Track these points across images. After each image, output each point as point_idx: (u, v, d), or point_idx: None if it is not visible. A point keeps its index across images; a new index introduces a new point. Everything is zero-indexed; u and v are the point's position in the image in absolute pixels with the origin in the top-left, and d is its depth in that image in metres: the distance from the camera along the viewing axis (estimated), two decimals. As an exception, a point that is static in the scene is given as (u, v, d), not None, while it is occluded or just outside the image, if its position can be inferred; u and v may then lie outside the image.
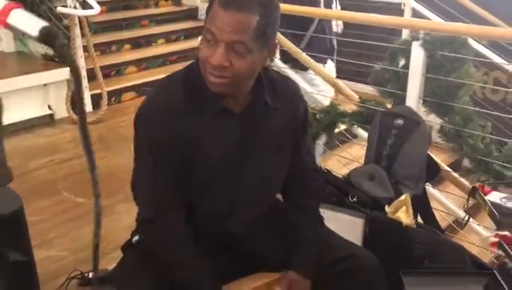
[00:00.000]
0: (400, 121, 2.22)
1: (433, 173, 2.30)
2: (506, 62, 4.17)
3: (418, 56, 2.43)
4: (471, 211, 2.22)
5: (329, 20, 3.58)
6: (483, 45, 3.98)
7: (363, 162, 2.37)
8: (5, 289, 0.74)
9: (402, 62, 2.61)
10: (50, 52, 4.16)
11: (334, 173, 2.31)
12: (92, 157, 0.67)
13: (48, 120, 3.98)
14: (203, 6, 5.48)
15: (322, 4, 3.39)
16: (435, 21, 4.06)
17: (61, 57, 0.67)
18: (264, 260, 1.51)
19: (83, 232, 2.55)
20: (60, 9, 3.74)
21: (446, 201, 2.65)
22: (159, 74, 4.23)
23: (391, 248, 1.82)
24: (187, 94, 1.34)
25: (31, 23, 0.69)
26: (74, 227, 2.60)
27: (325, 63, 3.51)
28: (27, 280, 1.32)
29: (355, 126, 2.81)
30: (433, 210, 2.31)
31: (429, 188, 2.47)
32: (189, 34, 5.49)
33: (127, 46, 5.06)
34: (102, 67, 4.23)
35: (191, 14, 5.84)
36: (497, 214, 1.55)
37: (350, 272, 1.49)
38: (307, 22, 3.38)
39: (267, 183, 1.49)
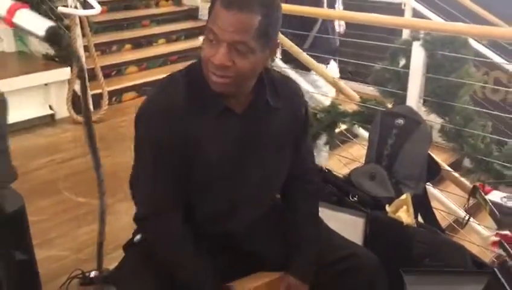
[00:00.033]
0: (400, 121, 2.22)
1: (434, 173, 2.31)
2: (506, 62, 4.18)
3: (418, 56, 2.43)
4: (472, 211, 2.22)
5: (332, 21, 3.56)
6: (483, 44, 3.99)
7: (363, 162, 2.38)
8: (9, 288, 0.74)
9: (402, 62, 2.61)
10: (51, 52, 4.17)
11: (334, 173, 2.31)
12: (97, 156, 0.67)
13: (49, 120, 3.98)
14: (203, 6, 5.48)
15: (325, 4, 3.36)
16: (435, 21, 4.06)
17: (68, 55, 0.67)
18: (264, 260, 1.51)
19: (84, 231, 2.56)
20: (61, 9, 3.74)
21: (446, 201, 2.65)
22: (159, 74, 4.23)
23: (392, 247, 1.82)
24: (188, 94, 1.34)
25: (37, 23, 0.69)
26: (75, 227, 2.61)
27: (328, 63, 3.49)
28: (29, 279, 1.32)
29: (356, 126, 2.81)
30: (434, 210, 2.32)
31: (430, 187, 2.48)
32: (189, 34, 5.49)
33: (127, 46, 5.06)
34: (103, 67, 4.24)
35: (191, 14, 5.84)
36: (497, 213, 1.55)
37: (351, 271, 1.50)
38: (310, 22, 3.34)
39: (268, 183, 1.49)
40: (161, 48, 5.22)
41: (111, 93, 4.28)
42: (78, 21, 3.90)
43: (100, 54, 4.64)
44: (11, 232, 0.76)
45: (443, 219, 2.61)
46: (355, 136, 3.10)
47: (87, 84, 4.08)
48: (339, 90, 2.98)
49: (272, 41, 1.31)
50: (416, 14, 4.56)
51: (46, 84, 3.94)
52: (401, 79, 2.55)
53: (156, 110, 1.33)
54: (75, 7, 3.85)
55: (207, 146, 1.35)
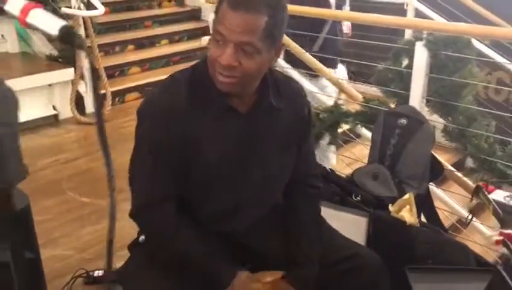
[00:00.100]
0: (403, 121, 2.22)
1: (437, 173, 2.31)
2: (509, 62, 4.17)
3: (421, 56, 2.44)
4: (475, 211, 2.22)
5: (340, 23, 3.54)
6: (486, 45, 3.99)
7: (366, 162, 2.38)
8: (20, 287, 0.75)
9: (405, 62, 2.62)
10: (54, 52, 4.19)
11: (337, 173, 2.31)
12: (108, 152, 0.68)
13: (53, 120, 3.99)
14: (206, 7, 5.49)
15: (333, 7, 3.34)
16: (438, 21, 4.06)
17: (83, 53, 0.68)
18: (268, 259, 1.51)
19: (88, 231, 2.57)
20: (65, 10, 3.75)
21: (450, 200, 2.65)
22: (162, 75, 4.21)
23: (395, 247, 1.82)
24: (191, 93, 1.35)
25: (50, 23, 0.70)
26: (79, 226, 2.62)
27: (336, 67, 3.44)
28: (35, 278, 1.33)
29: (359, 126, 2.82)
30: (437, 209, 2.32)
31: (433, 187, 2.48)
32: (192, 35, 5.50)
33: (130, 46, 5.08)
34: (106, 68, 4.25)
35: (194, 14, 5.85)
36: (501, 212, 1.55)
37: (353, 271, 1.50)
38: (319, 24, 3.30)
39: (271, 184, 1.49)
40: (164, 49, 5.23)
41: (114, 94, 4.30)
42: (81, 22, 3.92)
43: (103, 54, 4.66)
44: (19, 231, 0.77)
45: (446, 219, 2.61)
46: (358, 136, 3.10)
47: (89, 85, 4.11)
48: (342, 91, 2.98)
49: (278, 42, 1.32)
50: (418, 14, 4.56)
51: (49, 85, 3.95)
52: (404, 79, 2.56)
53: (157, 110, 1.34)
54: (79, 8, 3.86)
55: (208, 146, 1.36)
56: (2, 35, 4.29)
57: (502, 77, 4.57)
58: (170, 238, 1.38)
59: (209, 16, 3.54)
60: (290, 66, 3.28)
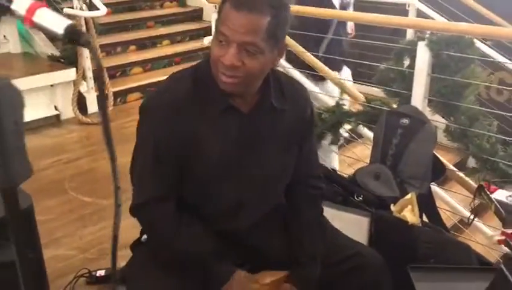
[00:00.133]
0: (405, 121, 2.22)
1: (439, 173, 2.30)
2: (511, 62, 4.17)
3: (423, 56, 2.43)
4: (477, 211, 2.22)
5: (344, 26, 3.53)
6: (488, 45, 3.98)
7: (368, 162, 2.38)
8: (26, 287, 0.75)
9: (407, 62, 2.62)
10: (56, 53, 4.20)
11: (339, 173, 2.31)
12: (113, 148, 0.69)
13: (54, 121, 4.01)
14: (207, 8, 5.49)
15: (338, 7, 3.32)
16: (439, 21, 4.06)
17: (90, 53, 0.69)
18: (269, 258, 1.52)
19: (90, 231, 2.58)
20: (67, 10, 3.77)
21: (451, 200, 2.65)
22: (164, 75, 4.20)
23: (397, 246, 1.82)
24: (194, 92, 1.35)
25: (56, 22, 0.71)
26: (81, 226, 2.63)
27: (340, 70, 3.40)
28: (38, 277, 1.34)
29: (361, 126, 2.82)
30: (439, 209, 2.31)
31: (435, 187, 2.48)
32: (194, 35, 5.52)
33: (132, 47, 5.09)
34: (108, 68, 4.26)
35: (196, 15, 5.86)
36: (503, 212, 1.55)
37: (356, 270, 1.50)
38: (323, 28, 3.26)
39: (273, 184, 1.50)
40: (165, 49, 5.24)
41: (116, 94, 4.31)
42: (83, 22, 3.93)
43: (105, 55, 4.68)
44: (23, 231, 0.78)
45: (448, 219, 2.61)
46: (360, 136, 3.10)
47: (91, 86, 4.12)
48: (344, 91, 2.98)
49: (280, 42, 1.33)
50: (420, 14, 4.56)
51: (51, 85, 3.97)
52: (406, 79, 2.55)
53: (159, 108, 1.35)
54: (81, 9, 3.88)
55: (209, 145, 1.36)
56: (4, 36, 4.30)
57: (504, 77, 4.56)
58: (170, 237, 1.39)
59: (210, 16, 3.54)
60: (291, 67, 3.27)
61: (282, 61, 3.27)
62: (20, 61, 4.32)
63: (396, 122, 2.25)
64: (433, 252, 1.85)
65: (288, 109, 1.44)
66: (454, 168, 2.59)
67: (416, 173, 2.17)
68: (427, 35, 2.44)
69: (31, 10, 0.69)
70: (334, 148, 3.10)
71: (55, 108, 4.02)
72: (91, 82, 4.14)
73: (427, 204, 2.19)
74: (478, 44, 2.89)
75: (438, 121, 2.57)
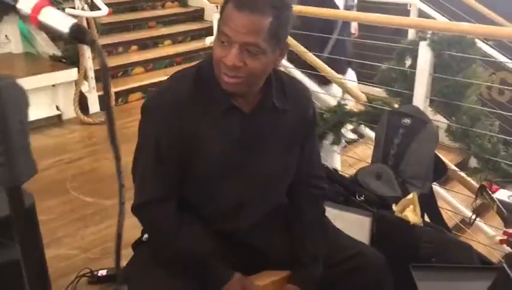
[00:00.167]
0: (407, 121, 2.22)
1: (440, 173, 2.31)
2: (512, 62, 4.17)
3: (425, 56, 2.44)
4: (478, 211, 2.22)
5: (349, 28, 3.51)
6: (489, 45, 3.98)
7: (370, 162, 2.38)
8: (31, 286, 0.76)
9: (409, 62, 2.62)
10: (57, 53, 4.21)
11: (341, 173, 2.31)
12: (117, 147, 0.69)
13: (56, 120, 4.01)
14: (209, 8, 5.50)
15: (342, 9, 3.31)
16: (441, 21, 4.06)
17: (95, 51, 0.69)
18: (270, 258, 1.52)
19: (92, 231, 2.58)
20: (68, 10, 3.77)
21: (453, 200, 2.65)
22: (165, 75, 4.21)
23: (398, 246, 1.82)
24: (196, 92, 1.35)
25: (61, 21, 0.71)
26: (83, 226, 2.63)
27: (345, 73, 3.38)
28: (39, 277, 1.34)
29: (362, 126, 2.82)
30: (440, 209, 2.32)
31: (436, 187, 2.48)
32: (195, 35, 5.52)
33: (134, 47, 5.09)
34: (109, 68, 4.25)
35: (197, 15, 5.86)
36: (505, 211, 1.56)
37: (357, 270, 1.50)
38: (329, 27, 3.24)
39: (274, 184, 1.49)
40: (167, 49, 5.24)
41: (117, 94, 4.32)
42: (85, 23, 3.93)
43: (107, 55, 4.68)
44: (27, 230, 0.78)
45: (450, 219, 2.61)
46: (361, 136, 3.10)
47: (93, 86, 4.12)
48: (346, 91, 2.98)
49: (282, 42, 1.33)
50: (421, 14, 4.56)
51: (53, 85, 3.97)
52: (408, 79, 2.56)
53: (160, 107, 1.36)
54: (82, 9, 3.88)
55: (210, 145, 1.36)
56: (6, 36, 4.31)
57: (505, 77, 4.56)
58: (171, 237, 1.39)
59: (212, 16, 3.54)
60: (293, 67, 3.27)
61: (284, 62, 3.27)
62: (21, 61, 4.33)
63: (398, 122, 2.25)
64: (435, 252, 1.85)
65: (290, 108, 1.44)
66: (456, 168, 2.59)
67: (418, 173, 2.17)
68: (429, 35, 2.44)
69: (37, 9, 0.69)
70: (337, 148, 3.10)
71: (57, 108, 4.03)
72: (93, 82, 4.14)
73: (428, 204, 2.19)
74: (480, 44, 2.89)
75: (440, 121, 2.57)
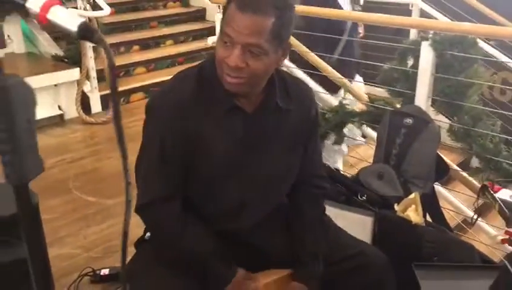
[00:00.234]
0: (409, 120, 2.23)
1: (442, 172, 2.31)
2: (514, 62, 4.17)
3: (427, 56, 2.44)
4: (481, 211, 2.22)
5: (357, 30, 3.50)
6: (491, 45, 3.98)
7: (371, 162, 2.38)
8: (38, 285, 0.76)
9: (411, 62, 2.62)
10: (60, 53, 4.21)
11: (343, 172, 2.32)
12: (124, 145, 0.69)
13: (58, 120, 4.02)
14: (211, 8, 5.50)
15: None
16: (443, 21, 4.06)
17: (104, 50, 0.69)
18: (271, 258, 1.52)
19: (94, 231, 2.59)
20: (71, 10, 3.77)
21: (455, 200, 2.65)
22: (167, 75, 4.22)
23: (400, 246, 1.83)
24: (198, 92, 1.36)
25: (69, 19, 0.72)
26: (85, 226, 2.64)
27: (353, 78, 3.36)
28: (43, 276, 1.34)
29: (364, 126, 2.82)
30: (442, 209, 2.32)
31: (438, 187, 2.48)
32: (197, 35, 5.52)
33: (135, 47, 5.10)
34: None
35: (199, 15, 5.86)
36: (507, 211, 1.56)
37: (359, 270, 1.50)
38: (335, 27, 3.22)
39: (276, 184, 1.50)
40: (169, 49, 5.24)
41: (119, 94, 4.28)
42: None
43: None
44: (35, 228, 0.79)
45: (451, 219, 2.61)
46: (363, 136, 3.10)
47: (95, 86, 4.13)
48: (348, 91, 2.98)
49: (285, 43, 1.33)
50: (423, 14, 4.56)
51: (55, 85, 3.98)
52: (410, 79, 2.56)
53: (164, 107, 1.36)
54: (85, 9, 3.89)
55: (213, 145, 1.37)
56: (8, 36, 4.31)
57: (507, 77, 4.56)
58: (175, 237, 1.39)
59: (214, 16, 3.54)
60: (295, 66, 3.27)
61: (286, 62, 3.27)
62: (24, 61, 4.33)
63: (400, 122, 2.25)
64: (437, 252, 1.85)
65: (293, 109, 1.45)
66: (458, 168, 2.59)
67: (420, 173, 2.18)
68: (431, 35, 2.44)
69: (45, 8, 0.70)
70: (342, 149, 3.09)
71: (59, 108, 4.03)
72: (95, 82, 4.15)
73: (430, 204, 2.19)
74: (481, 44, 2.90)
75: (442, 120, 2.58)
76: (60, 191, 2.94)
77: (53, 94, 3.99)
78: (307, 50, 3.09)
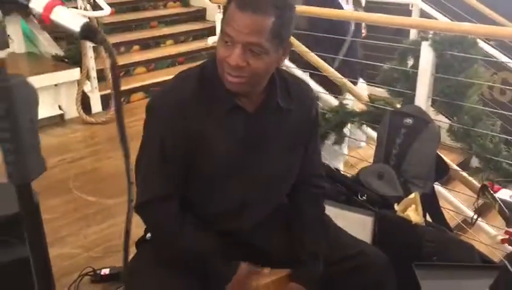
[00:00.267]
0: (409, 120, 2.23)
1: (442, 172, 2.31)
2: (514, 62, 4.17)
3: (427, 56, 2.44)
4: (480, 210, 2.22)
5: (360, 31, 3.49)
6: (491, 45, 3.98)
7: (372, 162, 2.39)
8: (39, 284, 0.77)
9: (411, 62, 2.62)
10: (60, 53, 4.21)
11: (343, 172, 2.32)
12: (126, 146, 0.70)
13: (58, 120, 4.02)
14: (211, 8, 5.51)
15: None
16: (443, 21, 4.06)
17: (106, 50, 0.70)
18: (271, 257, 1.52)
19: (94, 231, 2.59)
20: (71, 10, 3.77)
21: (455, 200, 2.65)
22: (167, 75, 4.26)
23: (400, 245, 1.83)
24: (200, 92, 1.36)
25: (72, 20, 0.72)
26: (85, 225, 2.64)
27: (356, 82, 3.32)
28: (44, 275, 1.35)
29: (364, 126, 2.82)
30: (442, 209, 2.32)
31: (438, 187, 2.48)
32: (197, 35, 5.52)
33: (136, 47, 5.10)
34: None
35: (199, 15, 5.87)
36: (507, 211, 1.56)
37: (359, 269, 1.51)
38: (337, 27, 3.18)
39: (277, 184, 1.50)
40: (169, 49, 5.24)
41: (120, 94, 4.31)
42: (87, 22, 3.93)
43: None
44: (37, 227, 0.79)
45: (451, 219, 2.61)
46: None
47: (95, 86, 4.13)
48: (348, 91, 2.98)
49: (285, 42, 1.34)
50: (423, 14, 4.56)
51: (55, 85, 3.98)
52: (410, 79, 2.56)
53: (165, 107, 1.36)
54: (85, 9, 3.89)
55: (214, 144, 1.37)
56: (9, 36, 4.31)
57: (507, 77, 4.56)
58: (174, 236, 1.40)
59: (214, 16, 3.54)
60: (295, 66, 3.27)
61: (286, 62, 3.26)
62: (24, 61, 4.34)
63: (400, 122, 2.26)
64: (437, 252, 1.85)
65: (294, 108, 1.45)
66: (458, 168, 2.60)
67: (420, 173, 2.18)
68: (431, 36, 2.45)
69: (49, 8, 0.70)
70: (342, 150, 3.09)
71: (59, 108, 4.03)
72: (95, 82, 4.15)
73: (430, 204, 2.19)
74: (481, 44, 2.90)
75: (442, 120, 2.58)
76: (60, 191, 2.94)
77: (53, 94, 3.99)
78: (307, 50, 3.09)
